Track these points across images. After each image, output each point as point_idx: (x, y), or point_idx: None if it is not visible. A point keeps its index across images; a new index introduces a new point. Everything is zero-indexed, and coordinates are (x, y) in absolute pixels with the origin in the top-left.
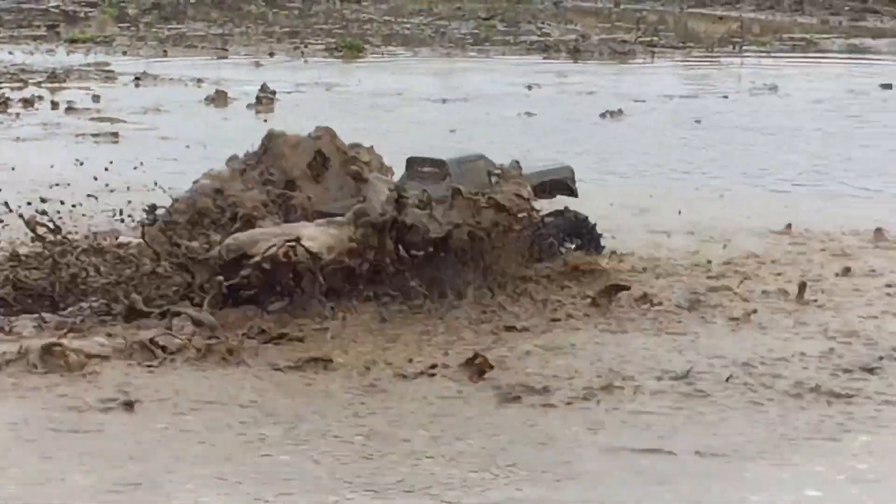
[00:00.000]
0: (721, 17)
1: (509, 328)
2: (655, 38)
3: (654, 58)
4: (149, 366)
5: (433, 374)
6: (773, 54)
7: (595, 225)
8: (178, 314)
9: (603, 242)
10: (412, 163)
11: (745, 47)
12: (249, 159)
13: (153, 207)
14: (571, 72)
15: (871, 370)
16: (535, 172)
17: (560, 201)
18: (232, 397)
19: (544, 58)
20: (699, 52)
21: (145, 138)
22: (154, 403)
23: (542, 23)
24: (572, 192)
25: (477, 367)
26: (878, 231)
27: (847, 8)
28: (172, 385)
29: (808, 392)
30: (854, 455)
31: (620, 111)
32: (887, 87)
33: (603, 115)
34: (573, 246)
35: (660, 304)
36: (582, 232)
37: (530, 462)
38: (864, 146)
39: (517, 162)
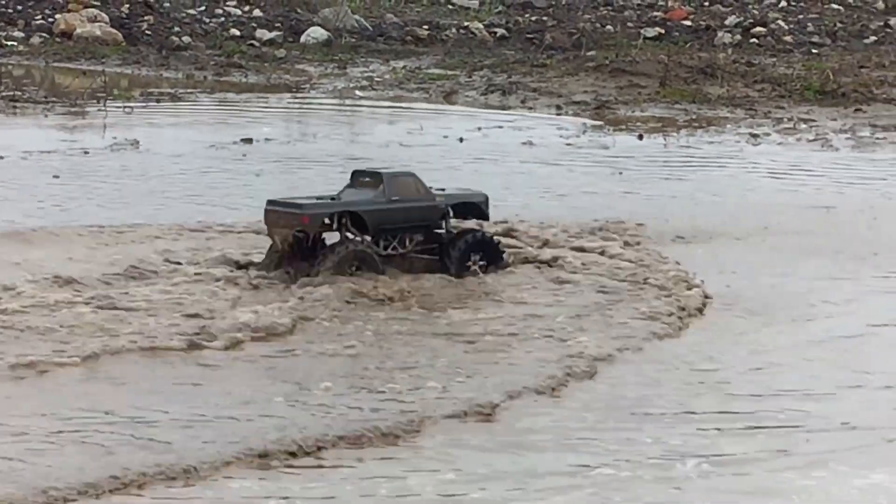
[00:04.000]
0: (85, 72)
1: None
2: (19, 93)
3: (17, 113)
4: None
5: None
6: (137, 109)
7: (499, 242)
8: None
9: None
10: (356, 174)
11: (109, 102)
12: None
13: None
14: None
15: None
16: (453, 195)
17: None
18: None
19: None
20: (63, 107)
21: None
22: None
23: None
24: (485, 216)
25: None
26: None
27: (213, 63)
28: None
29: None
30: None
31: None
32: (247, 141)
33: None
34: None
35: None
36: (487, 247)
37: None
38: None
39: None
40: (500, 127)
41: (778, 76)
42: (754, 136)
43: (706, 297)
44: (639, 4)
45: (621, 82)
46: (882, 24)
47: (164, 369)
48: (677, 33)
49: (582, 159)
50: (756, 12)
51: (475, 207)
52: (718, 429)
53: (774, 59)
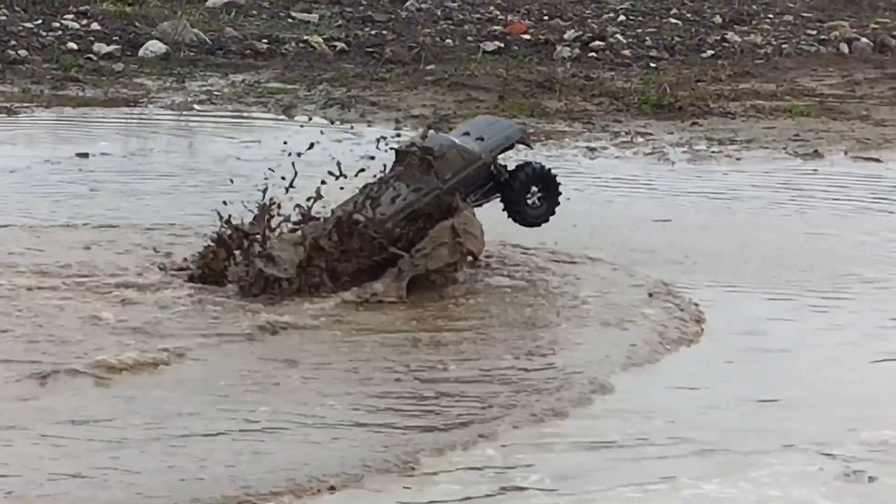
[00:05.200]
0: None
1: None
2: None
3: None
4: None
5: None
6: None
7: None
8: None
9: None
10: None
11: None
12: None
13: None
14: None
15: None
16: (494, 143)
17: None
18: None
19: None
20: None
21: None
22: None
23: None
24: (528, 145)
25: None
26: None
27: (49, 77)
28: None
29: None
30: None
31: None
32: (83, 155)
33: None
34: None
35: None
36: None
37: None
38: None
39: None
40: (339, 141)
41: (616, 90)
42: (591, 149)
43: None
44: (478, 18)
45: (460, 96)
46: (719, 38)
47: None
48: (517, 47)
49: None
50: (595, 26)
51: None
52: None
53: (613, 73)
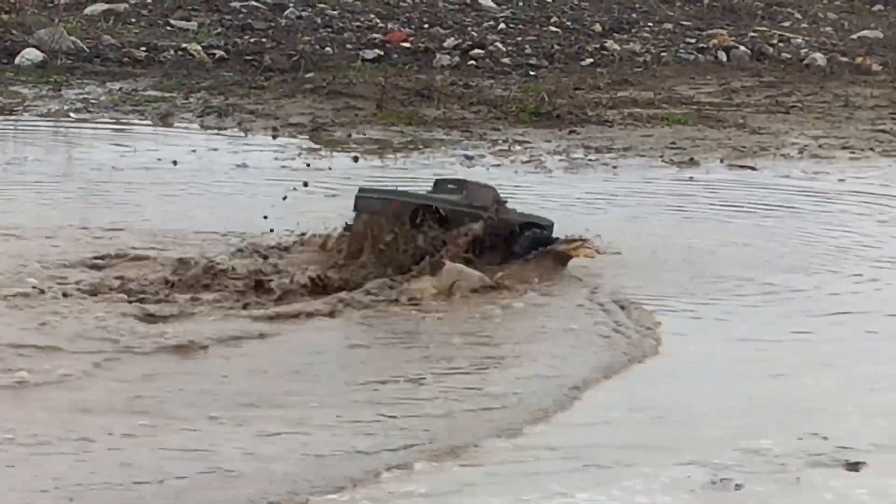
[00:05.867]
0: None
1: None
2: None
3: None
4: None
5: None
6: None
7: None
8: None
9: None
10: (439, 182)
11: None
12: None
13: None
14: None
15: None
16: (526, 214)
17: None
18: None
19: None
20: None
21: None
22: None
23: None
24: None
25: None
26: None
27: None
28: None
29: None
30: None
31: None
32: None
33: None
34: None
35: None
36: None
37: None
38: None
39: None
40: (216, 149)
41: (494, 98)
42: (469, 157)
43: None
44: (358, 27)
45: (338, 104)
46: (599, 46)
47: None
48: (396, 55)
49: (298, 181)
50: (475, 35)
51: (543, 234)
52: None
53: (492, 81)
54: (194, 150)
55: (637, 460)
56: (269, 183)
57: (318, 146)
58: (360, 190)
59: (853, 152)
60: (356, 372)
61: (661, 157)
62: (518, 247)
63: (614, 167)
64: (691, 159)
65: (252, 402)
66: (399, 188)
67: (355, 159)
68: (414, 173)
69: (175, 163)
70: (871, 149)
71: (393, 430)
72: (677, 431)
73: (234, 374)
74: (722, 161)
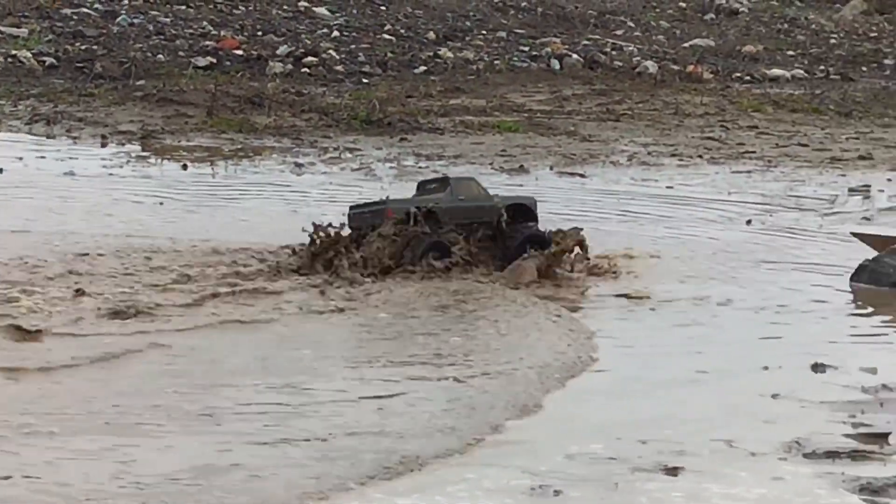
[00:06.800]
0: None
1: None
2: None
3: None
4: None
5: None
6: None
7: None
8: None
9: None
10: (422, 183)
11: None
12: None
13: None
14: None
15: None
16: (507, 196)
17: None
18: None
19: None
20: None
21: None
22: None
23: None
24: (534, 217)
25: None
26: None
27: None
28: None
29: None
30: None
31: None
32: None
33: None
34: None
35: None
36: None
37: None
38: None
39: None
40: (43, 157)
41: (326, 106)
42: (299, 165)
43: None
44: (191, 34)
45: (169, 111)
46: (432, 54)
47: None
48: (229, 62)
49: (125, 189)
50: (308, 42)
51: (526, 209)
52: None
53: (325, 89)
54: (21, 158)
55: (461, 464)
56: (95, 191)
57: (147, 154)
58: (351, 207)
59: (682, 159)
60: None
61: (491, 164)
62: (514, 242)
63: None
64: (521, 166)
65: None
66: (389, 197)
67: (184, 167)
68: (246, 180)
69: (1, 170)
70: (700, 156)
71: None
72: (506, 437)
73: None
74: (552, 168)
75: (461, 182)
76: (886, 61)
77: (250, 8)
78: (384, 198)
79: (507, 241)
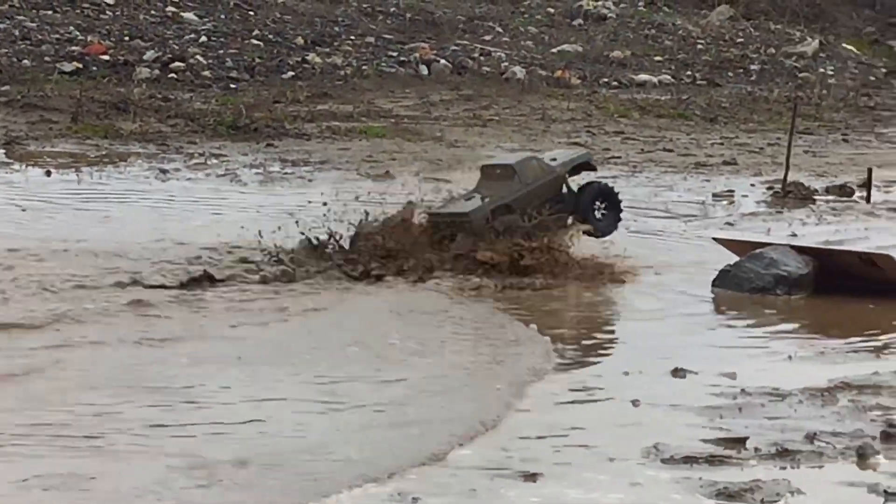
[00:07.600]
0: None
1: None
2: None
3: None
4: None
5: None
6: None
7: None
8: None
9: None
10: (485, 168)
11: None
12: None
13: None
14: None
15: None
16: (566, 160)
17: None
18: None
19: None
20: None
21: None
22: None
23: None
24: (594, 168)
25: None
26: None
27: None
28: None
29: None
30: None
31: None
32: None
33: None
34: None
35: None
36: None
37: None
38: None
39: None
40: None
41: (193, 111)
42: (164, 171)
43: None
44: (58, 39)
45: (33, 117)
46: (300, 59)
47: None
48: (96, 68)
49: None
50: (176, 47)
51: (585, 164)
52: None
53: (192, 94)
54: None
55: (341, 476)
56: None
57: (10, 160)
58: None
59: None
60: None
61: (357, 169)
62: (584, 198)
63: (310, 180)
64: (387, 172)
65: None
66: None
67: (48, 173)
68: (111, 186)
69: None
70: None
71: None
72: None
73: None
74: (417, 174)
75: (525, 166)
76: (752, 67)
77: (117, 13)
78: (468, 195)
79: (577, 200)
